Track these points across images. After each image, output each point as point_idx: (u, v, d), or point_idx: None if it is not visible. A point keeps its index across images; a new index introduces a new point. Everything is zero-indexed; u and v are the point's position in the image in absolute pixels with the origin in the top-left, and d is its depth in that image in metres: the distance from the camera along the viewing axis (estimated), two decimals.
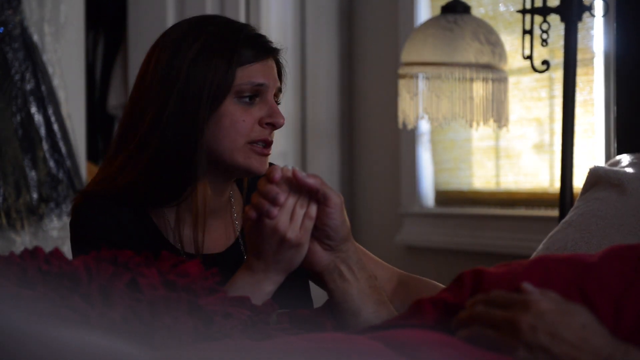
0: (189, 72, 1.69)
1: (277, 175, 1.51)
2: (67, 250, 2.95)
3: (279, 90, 1.78)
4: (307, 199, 1.52)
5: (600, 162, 2.76)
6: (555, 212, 2.82)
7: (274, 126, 1.73)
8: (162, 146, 1.69)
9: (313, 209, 1.52)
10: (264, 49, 1.74)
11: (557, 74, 2.97)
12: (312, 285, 1.77)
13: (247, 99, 1.71)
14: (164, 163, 1.70)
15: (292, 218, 1.51)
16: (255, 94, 1.72)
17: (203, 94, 1.69)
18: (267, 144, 1.74)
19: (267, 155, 1.74)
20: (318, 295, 1.73)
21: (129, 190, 1.71)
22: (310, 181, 1.51)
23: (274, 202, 1.50)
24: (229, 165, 1.73)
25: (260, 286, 1.54)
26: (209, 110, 1.69)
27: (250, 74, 1.71)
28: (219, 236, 1.78)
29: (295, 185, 1.52)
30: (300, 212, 1.52)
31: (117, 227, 1.70)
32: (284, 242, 1.51)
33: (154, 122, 1.70)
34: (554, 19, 2.63)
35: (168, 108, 1.69)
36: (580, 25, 2.55)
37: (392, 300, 1.66)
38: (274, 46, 1.77)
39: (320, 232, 1.53)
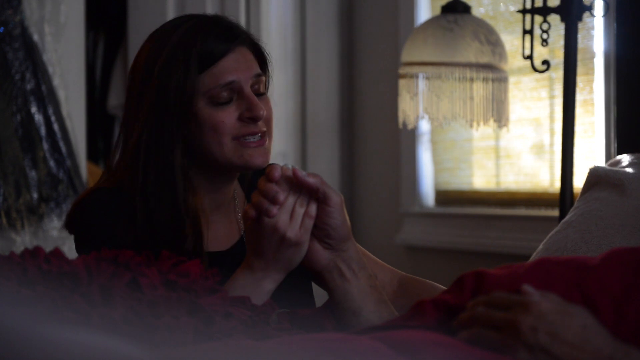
0: (158, 84, 1.69)
1: (277, 174, 1.51)
2: (67, 250, 2.95)
3: (258, 76, 1.73)
4: (307, 198, 1.52)
5: (600, 162, 2.76)
6: (555, 212, 2.82)
7: (255, 119, 1.70)
8: (147, 162, 1.69)
9: (313, 208, 1.52)
10: (226, 39, 1.71)
11: (557, 74, 2.97)
12: (314, 285, 1.76)
13: (223, 100, 1.70)
14: (155, 178, 1.70)
15: (292, 217, 1.51)
16: (231, 92, 1.70)
17: (169, 105, 1.68)
18: (261, 134, 1.72)
19: (262, 145, 1.72)
20: (320, 295, 1.73)
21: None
22: (310, 180, 1.51)
23: (274, 200, 1.50)
24: (226, 165, 1.72)
25: (260, 285, 1.54)
26: (178, 122, 1.69)
27: (217, 75, 1.69)
28: (223, 234, 1.79)
29: (296, 184, 1.51)
30: (300, 211, 1.52)
31: (122, 220, 1.70)
32: (283, 241, 1.51)
33: (139, 135, 1.71)
34: (554, 18, 2.63)
35: (145, 125, 1.70)
36: (580, 25, 2.55)
37: (393, 302, 1.65)
38: (239, 32, 1.73)
39: (320, 231, 1.53)
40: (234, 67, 1.70)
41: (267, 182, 1.51)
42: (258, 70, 1.74)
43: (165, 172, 1.69)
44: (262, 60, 1.78)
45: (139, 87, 1.72)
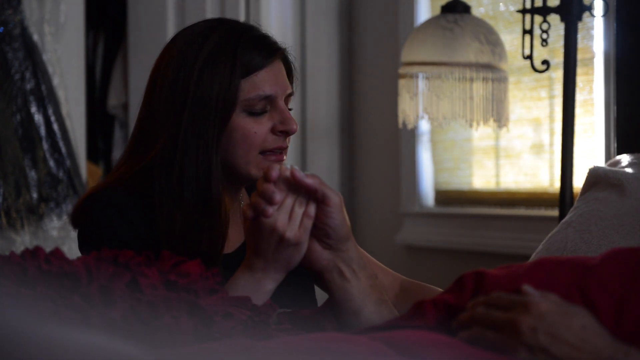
0: (196, 88, 1.69)
1: (274, 174, 1.50)
2: (67, 250, 2.95)
3: (290, 94, 1.78)
4: (306, 199, 1.52)
5: (600, 162, 2.76)
6: (555, 212, 2.82)
7: (287, 133, 1.74)
8: (181, 165, 1.69)
9: (312, 208, 1.52)
10: (268, 52, 1.73)
11: (557, 74, 2.97)
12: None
13: (257, 110, 1.72)
14: (184, 182, 1.70)
15: (290, 217, 1.51)
16: (266, 104, 1.72)
17: (211, 109, 1.69)
18: (282, 149, 1.75)
19: (281, 160, 1.75)
20: (322, 295, 1.73)
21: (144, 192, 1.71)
22: (309, 181, 1.50)
23: (270, 201, 1.50)
24: (244, 175, 1.74)
25: (260, 284, 1.55)
26: (218, 127, 1.69)
27: (257, 84, 1.71)
28: (229, 237, 1.79)
29: (295, 185, 1.52)
30: (298, 211, 1.52)
31: (128, 220, 1.70)
32: (282, 241, 1.51)
33: (170, 139, 1.70)
34: (554, 18, 2.63)
35: (182, 127, 1.69)
36: (580, 25, 2.55)
37: (395, 306, 1.65)
38: (279, 46, 1.75)
39: (319, 231, 1.53)
40: (272, 80, 1.73)
41: (265, 182, 1.51)
42: (291, 89, 1.78)
43: (203, 176, 1.69)
44: (289, 74, 1.80)
45: (168, 88, 1.71)
